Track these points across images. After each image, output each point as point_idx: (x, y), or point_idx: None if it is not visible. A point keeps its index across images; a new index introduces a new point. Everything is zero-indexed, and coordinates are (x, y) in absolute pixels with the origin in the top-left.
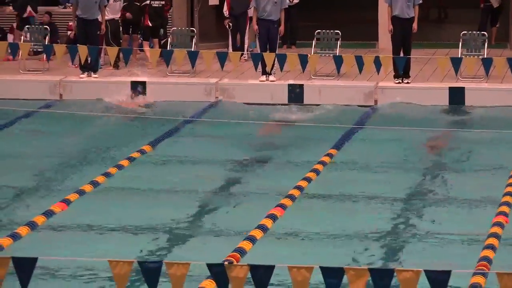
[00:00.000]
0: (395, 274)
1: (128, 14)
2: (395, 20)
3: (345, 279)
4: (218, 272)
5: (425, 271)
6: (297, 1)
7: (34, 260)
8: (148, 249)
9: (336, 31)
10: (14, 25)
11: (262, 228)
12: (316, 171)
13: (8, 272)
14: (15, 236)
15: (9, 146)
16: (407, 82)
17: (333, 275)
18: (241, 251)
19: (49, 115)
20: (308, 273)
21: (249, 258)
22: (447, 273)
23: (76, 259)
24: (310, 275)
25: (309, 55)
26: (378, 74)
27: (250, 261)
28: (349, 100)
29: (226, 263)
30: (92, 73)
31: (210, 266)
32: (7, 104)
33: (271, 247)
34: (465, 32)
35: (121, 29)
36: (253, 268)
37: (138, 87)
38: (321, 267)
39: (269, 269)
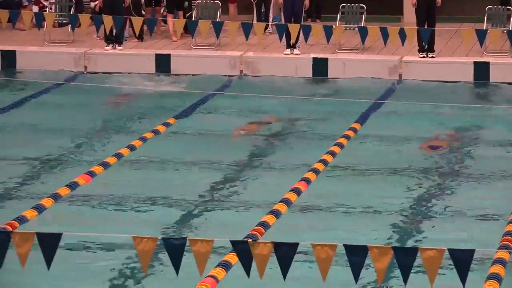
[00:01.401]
0: (418, 252)
1: None
2: None
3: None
4: (242, 249)
5: (449, 249)
6: None
7: (59, 235)
8: (171, 224)
9: (361, 4)
10: None
11: (286, 202)
12: (340, 145)
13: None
14: (39, 208)
15: (33, 117)
16: (432, 57)
17: (356, 253)
18: (265, 225)
19: (73, 87)
20: (331, 250)
21: (272, 232)
22: (471, 252)
23: (100, 235)
24: (333, 253)
25: (334, 26)
26: (403, 45)
27: (274, 235)
28: (373, 74)
29: (250, 240)
30: (117, 45)
31: (234, 243)
32: (32, 75)
33: (295, 221)
34: (490, 6)
35: (143, 1)
36: (277, 246)
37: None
38: (344, 245)
39: (293, 246)
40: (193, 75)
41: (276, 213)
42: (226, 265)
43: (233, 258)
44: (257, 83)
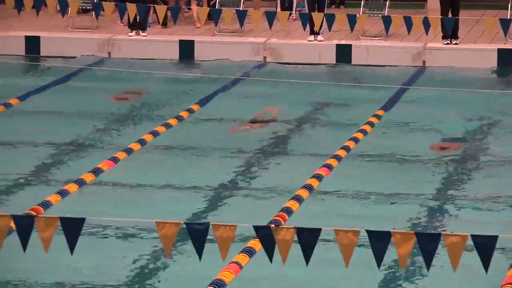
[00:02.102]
0: (441, 238)
1: None
2: None
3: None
4: (264, 234)
5: (472, 235)
6: None
7: (82, 220)
8: (194, 209)
9: None
10: None
11: (308, 188)
12: (364, 132)
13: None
14: (63, 193)
15: (57, 103)
16: (456, 43)
17: (379, 239)
18: (288, 211)
19: (97, 73)
20: (354, 236)
21: (295, 218)
22: (494, 238)
23: (123, 219)
24: (356, 239)
25: (357, 15)
26: (426, 34)
27: (296, 220)
28: (397, 61)
29: (272, 225)
30: (140, 31)
31: (257, 228)
32: (56, 61)
33: (316, 206)
34: None
35: None
36: (300, 231)
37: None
38: (367, 231)
39: (316, 232)
40: (216, 61)
41: (299, 199)
42: (249, 251)
43: (256, 244)
44: (280, 69)
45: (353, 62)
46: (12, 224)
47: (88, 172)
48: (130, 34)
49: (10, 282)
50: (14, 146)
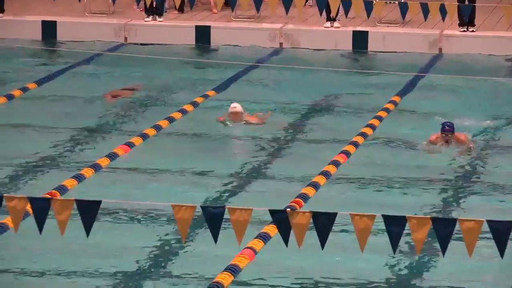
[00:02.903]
0: (457, 223)
1: None
2: None
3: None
4: (280, 218)
5: (488, 221)
6: None
7: (98, 203)
8: (209, 193)
9: None
10: None
11: (326, 174)
12: (380, 118)
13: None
14: (79, 178)
15: (73, 87)
16: (472, 31)
17: (395, 224)
18: (304, 197)
19: (113, 58)
20: (370, 221)
21: (312, 204)
22: (510, 223)
23: (139, 203)
24: (372, 223)
25: (374, 1)
26: (443, 21)
27: (313, 207)
28: (413, 48)
29: (288, 209)
30: (157, 16)
31: (272, 212)
32: (72, 46)
33: (334, 193)
34: None
35: None
36: (315, 215)
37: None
38: (383, 216)
39: (331, 216)
40: (232, 47)
41: (315, 185)
42: (264, 237)
43: (272, 229)
44: (296, 55)
45: (369, 49)
46: (29, 207)
47: (104, 156)
48: (146, 19)
49: (25, 264)
50: (30, 131)
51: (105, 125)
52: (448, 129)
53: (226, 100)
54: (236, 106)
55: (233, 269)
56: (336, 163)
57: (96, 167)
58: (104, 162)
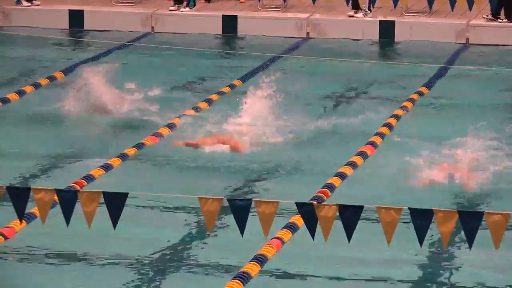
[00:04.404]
0: (484, 217)
1: None
2: None
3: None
4: (307, 211)
5: None
6: None
7: (125, 195)
8: (236, 185)
9: None
10: None
11: (352, 165)
12: (405, 109)
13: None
14: (107, 167)
15: (100, 77)
16: (500, 21)
17: (421, 217)
18: (331, 188)
19: (140, 48)
20: (396, 214)
21: (337, 195)
22: None
23: (166, 195)
24: (398, 216)
25: None
26: (470, 11)
27: (339, 198)
28: (440, 37)
29: (315, 202)
30: (182, 7)
31: (299, 205)
32: (99, 35)
33: (360, 185)
34: None
35: None
36: (342, 208)
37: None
38: (410, 209)
39: (358, 209)
40: (259, 36)
41: (342, 176)
42: (292, 227)
43: (299, 220)
44: (323, 45)
45: (396, 38)
46: (56, 198)
47: (132, 146)
48: (171, 8)
49: (53, 254)
50: (57, 120)
51: (132, 114)
52: None
53: (253, 90)
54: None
55: (260, 259)
56: (362, 154)
57: (123, 157)
58: (131, 151)
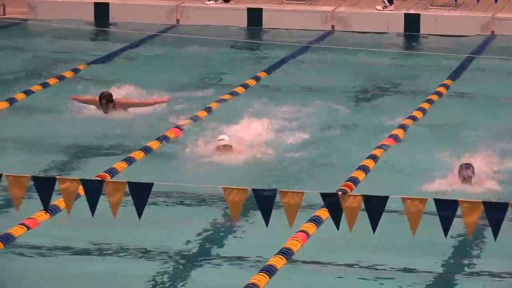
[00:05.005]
0: (509, 208)
1: None
2: None
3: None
4: (332, 201)
5: None
6: None
7: (150, 185)
8: (260, 176)
9: None
10: None
11: (373, 158)
12: (431, 102)
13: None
14: (129, 161)
15: (124, 69)
16: None
17: (446, 208)
18: (355, 181)
19: (165, 40)
20: (421, 204)
21: (361, 187)
22: None
23: (191, 185)
24: (423, 207)
25: None
26: (496, 2)
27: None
28: (465, 30)
29: (340, 193)
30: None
31: (324, 195)
32: (124, 27)
33: (383, 177)
34: None
35: None
36: (367, 198)
37: None
38: (434, 199)
39: (383, 199)
40: (284, 29)
41: (365, 169)
42: (316, 220)
43: (323, 213)
44: (348, 38)
45: (421, 31)
46: (81, 189)
47: (155, 139)
48: (209, 2)
49: (78, 244)
50: (81, 112)
51: (154, 107)
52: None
53: (278, 82)
54: (224, 139)
55: (286, 253)
56: (384, 147)
57: (146, 150)
58: (155, 145)
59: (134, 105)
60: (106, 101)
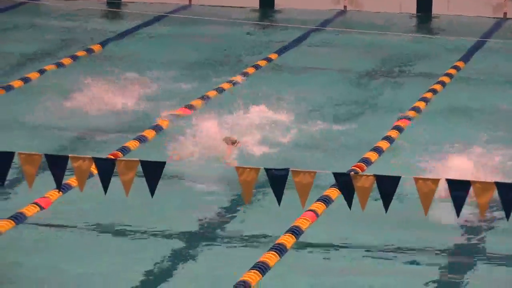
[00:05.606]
0: None
1: None
2: None
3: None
4: (344, 181)
5: None
6: None
7: (162, 164)
8: (273, 157)
9: None
10: None
11: (388, 139)
12: (442, 83)
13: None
14: (142, 139)
15: (137, 49)
16: None
17: (459, 188)
18: (366, 162)
19: (177, 20)
20: (434, 185)
21: (373, 168)
22: None
23: (201, 164)
24: (436, 187)
25: None
26: None
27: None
28: (477, 12)
29: (352, 173)
30: None
31: (336, 175)
32: (137, 7)
33: (396, 159)
34: None
35: None
36: (379, 178)
37: None
38: (447, 180)
39: (395, 179)
40: (296, 9)
41: (378, 150)
42: (326, 200)
43: (333, 193)
44: (360, 18)
45: (433, 12)
46: (93, 168)
47: (165, 118)
48: None
49: (88, 224)
50: (94, 92)
51: (166, 87)
52: None
53: (290, 63)
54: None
55: (295, 231)
56: (398, 128)
57: (158, 129)
58: (165, 123)
59: None
60: None
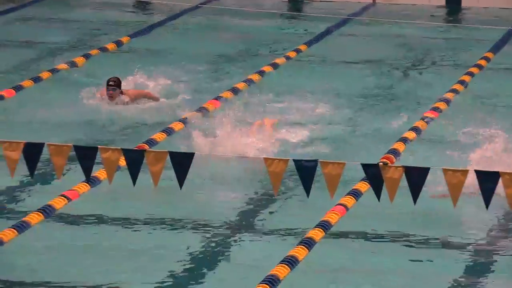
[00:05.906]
0: None
1: None
2: None
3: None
4: (373, 172)
5: None
6: None
7: (191, 155)
8: (301, 148)
9: None
10: None
11: (416, 130)
12: (471, 74)
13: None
14: (169, 131)
15: (166, 41)
16: None
17: (488, 179)
18: (395, 153)
19: (206, 11)
20: (463, 176)
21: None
22: None
23: (232, 156)
24: (465, 178)
25: None
26: None
27: (404, 162)
28: (507, 3)
29: (381, 164)
30: None
31: (365, 166)
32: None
33: (424, 150)
34: None
35: None
36: (408, 170)
37: None
38: (476, 171)
39: (424, 171)
40: (325, 2)
41: (405, 141)
42: (355, 194)
43: (362, 186)
44: (390, 10)
45: (463, 4)
46: (122, 160)
47: (194, 110)
48: None
49: (117, 216)
50: (123, 83)
51: (193, 79)
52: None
53: (318, 54)
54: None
55: (324, 225)
56: (426, 119)
57: (184, 122)
58: (192, 115)
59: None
60: (114, 84)
